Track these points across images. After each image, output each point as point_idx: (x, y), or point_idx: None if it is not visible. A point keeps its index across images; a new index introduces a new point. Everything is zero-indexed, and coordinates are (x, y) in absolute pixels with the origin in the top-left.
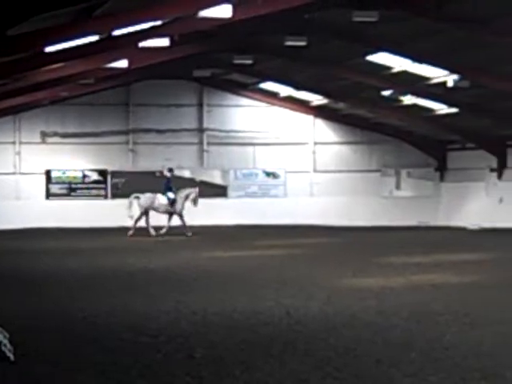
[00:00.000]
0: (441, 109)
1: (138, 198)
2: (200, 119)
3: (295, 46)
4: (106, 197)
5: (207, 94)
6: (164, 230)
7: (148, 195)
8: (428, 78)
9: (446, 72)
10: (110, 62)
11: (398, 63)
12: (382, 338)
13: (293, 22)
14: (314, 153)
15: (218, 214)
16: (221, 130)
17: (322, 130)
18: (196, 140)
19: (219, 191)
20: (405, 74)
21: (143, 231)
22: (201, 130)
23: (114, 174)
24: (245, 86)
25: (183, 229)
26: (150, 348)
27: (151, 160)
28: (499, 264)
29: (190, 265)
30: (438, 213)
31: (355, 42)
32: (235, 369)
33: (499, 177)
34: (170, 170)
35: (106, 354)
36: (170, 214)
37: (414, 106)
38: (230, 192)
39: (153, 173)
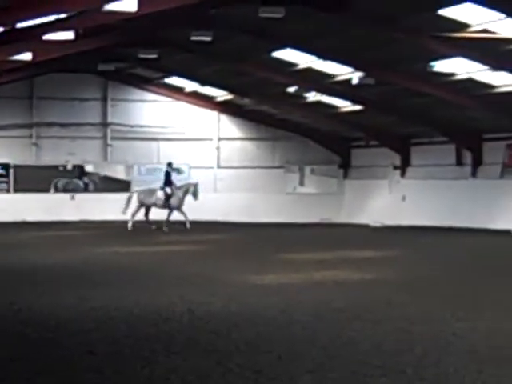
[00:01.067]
0: (345, 106)
1: (136, 192)
2: (104, 114)
3: (201, 41)
4: (8, 191)
5: (112, 88)
6: (165, 227)
7: (146, 189)
8: (333, 75)
9: (350, 69)
10: (14, 54)
11: (303, 60)
12: (283, 335)
13: (198, 16)
14: (218, 148)
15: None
16: (125, 125)
17: (227, 125)
18: (100, 134)
19: (123, 186)
20: (310, 70)
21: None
22: (105, 125)
23: (17, 167)
24: (150, 81)
25: (186, 222)
26: (50, 344)
27: (55, 154)
28: (401, 261)
29: (91, 260)
30: (342, 210)
31: (261, 37)
32: (136, 364)
33: (402, 175)
34: (169, 164)
35: (2, 350)
36: (169, 209)
37: (319, 102)
38: (134, 187)
39: (56, 167)
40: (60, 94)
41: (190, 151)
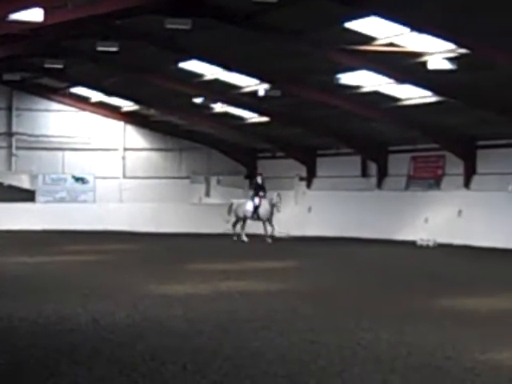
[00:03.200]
0: (252, 117)
1: (232, 203)
2: (9, 123)
3: (107, 52)
4: None
5: (17, 97)
6: (268, 239)
7: (238, 201)
8: (239, 87)
9: (257, 81)
10: None
11: (209, 71)
12: (188, 345)
13: (105, 27)
14: (123, 158)
15: (26, 219)
16: (30, 135)
17: (133, 136)
18: (4, 144)
19: (27, 196)
20: (216, 82)
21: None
22: (10, 134)
23: None
24: (56, 91)
25: (267, 237)
26: None
27: None
28: (306, 272)
29: None
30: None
31: (168, 48)
32: (40, 375)
33: (308, 186)
34: (260, 174)
35: None
36: (262, 221)
37: (226, 113)
38: (38, 197)
39: None
40: None
41: (96, 161)
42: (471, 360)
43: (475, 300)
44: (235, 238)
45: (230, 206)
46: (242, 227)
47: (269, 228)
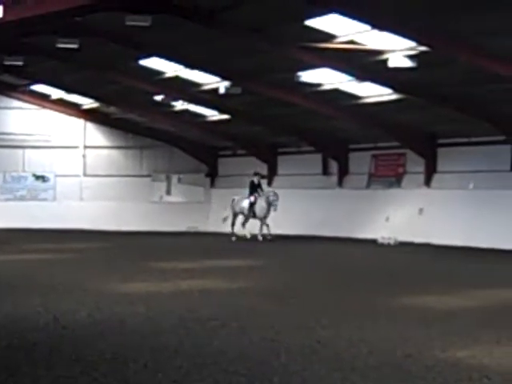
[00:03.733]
0: (213, 115)
1: (232, 199)
2: None
3: (67, 49)
4: None
5: None
6: (259, 237)
7: (237, 198)
8: (200, 84)
9: (218, 78)
10: None
11: (170, 68)
12: (149, 344)
13: (65, 24)
14: (84, 156)
15: None
16: None
17: (93, 133)
18: None
19: None
20: (177, 79)
21: None
22: None
23: None
24: (15, 88)
25: (258, 235)
26: None
27: None
28: (267, 270)
29: None
30: (209, 219)
31: (128, 46)
32: (0, 375)
33: (269, 184)
34: (256, 173)
35: None
36: (259, 219)
37: (186, 111)
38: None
39: None
40: None
41: (56, 159)
42: (432, 358)
43: (436, 298)
44: (233, 238)
45: (232, 201)
46: (243, 224)
47: (264, 227)
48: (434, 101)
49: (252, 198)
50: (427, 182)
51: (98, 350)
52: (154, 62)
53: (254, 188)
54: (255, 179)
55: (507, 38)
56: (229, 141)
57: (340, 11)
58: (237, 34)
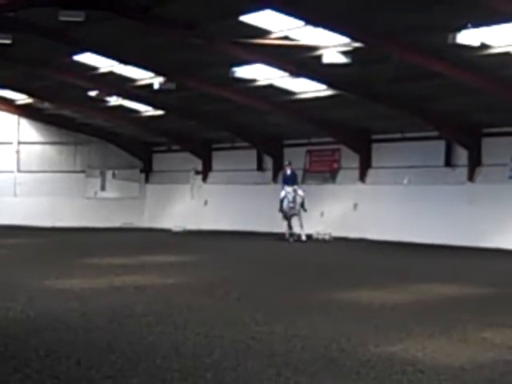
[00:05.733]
0: (147, 111)
1: None
2: None
3: (0, 44)
4: None
5: None
6: (289, 237)
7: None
8: (134, 80)
9: (151, 74)
10: None
11: (104, 64)
12: (83, 340)
13: None
14: (17, 152)
15: None
16: None
17: (27, 129)
18: None
19: None
20: (111, 74)
21: None
22: None
23: None
24: None
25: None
26: None
27: None
28: (202, 266)
29: None
30: (143, 214)
31: (61, 41)
32: None
33: (204, 179)
34: (288, 163)
35: None
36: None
37: (120, 107)
38: None
39: None
40: None
41: None
42: (365, 352)
43: (369, 293)
44: (291, 239)
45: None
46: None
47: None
48: (367, 97)
49: (282, 194)
50: (362, 178)
51: (31, 347)
52: (87, 58)
53: (287, 180)
54: (288, 170)
55: (439, 35)
56: (163, 136)
57: (274, 7)
58: (171, 29)
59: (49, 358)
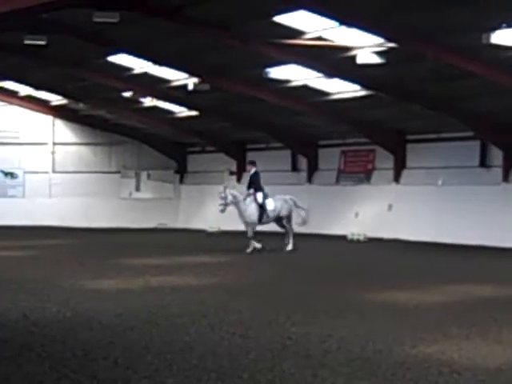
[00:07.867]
0: (181, 111)
1: None
2: None
3: (35, 45)
4: None
5: None
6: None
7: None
8: (169, 81)
9: (186, 75)
10: None
11: (138, 65)
12: (119, 340)
13: (32, 20)
14: (53, 153)
15: None
16: None
17: (62, 130)
18: None
19: None
20: (145, 75)
21: None
22: None
23: None
24: None
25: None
26: None
27: None
28: (237, 266)
29: None
30: (178, 215)
31: (96, 42)
32: None
33: (238, 180)
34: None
35: None
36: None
37: (155, 108)
38: None
39: None
40: None
41: (25, 156)
42: (401, 353)
43: (405, 293)
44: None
45: None
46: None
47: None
48: (402, 97)
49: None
50: (396, 178)
51: (67, 347)
52: (122, 59)
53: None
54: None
55: (473, 34)
56: (197, 137)
57: (308, 8)
58: (205, 30)
59: (85, 357)
